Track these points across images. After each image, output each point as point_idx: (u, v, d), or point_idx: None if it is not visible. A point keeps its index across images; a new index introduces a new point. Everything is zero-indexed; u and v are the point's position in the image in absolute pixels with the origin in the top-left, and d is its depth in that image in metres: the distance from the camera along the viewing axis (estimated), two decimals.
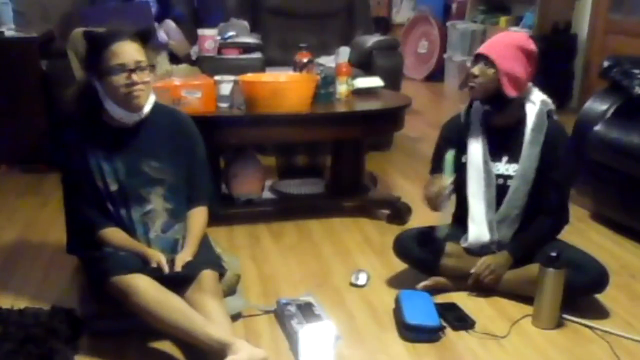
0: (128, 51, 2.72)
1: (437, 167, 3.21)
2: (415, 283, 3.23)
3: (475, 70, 3.11)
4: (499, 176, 3.17)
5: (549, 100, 3.17)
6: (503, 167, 3.18)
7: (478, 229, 3.21)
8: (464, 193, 3.23)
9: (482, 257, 3.20)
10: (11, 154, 5.07)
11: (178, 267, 2.70)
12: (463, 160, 3.21)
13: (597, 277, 3.07)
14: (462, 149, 3.21)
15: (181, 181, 2.95)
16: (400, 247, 3.34)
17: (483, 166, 3.18)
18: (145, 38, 2.84)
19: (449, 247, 3.27)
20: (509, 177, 3.16)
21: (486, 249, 3.21)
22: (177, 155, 2.95)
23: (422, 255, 3.26)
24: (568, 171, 3.18)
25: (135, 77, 2.73)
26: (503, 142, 3.18)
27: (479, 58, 3.11)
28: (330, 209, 4.34)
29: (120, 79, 2.71)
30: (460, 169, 3.18)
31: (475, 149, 3.20)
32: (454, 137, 3.27)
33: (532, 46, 3.07)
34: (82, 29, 3.10)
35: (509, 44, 3.06)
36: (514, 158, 3.15)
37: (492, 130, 3.21)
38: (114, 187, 2.81)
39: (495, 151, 3.19)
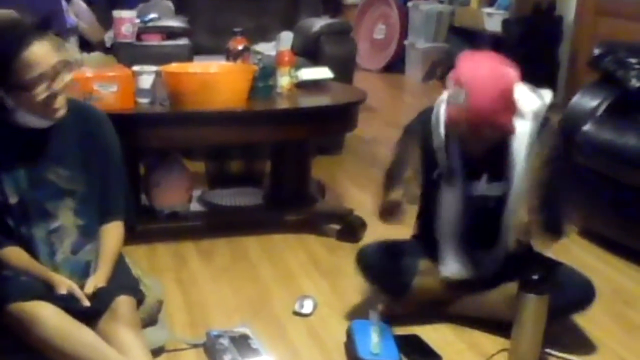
0: (43, 57, 2.66)
1: (396, 178, 3.13)
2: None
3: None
4: (477, 198, 3.13)
5: (540, 106, 3.07)
6: (483, 187, 3.14)
7: (451, 266, 3.20)
8: (435, 213, 3.20)
9: (460, 286, 3.23)
10: None
11: (89, 291, 2.69)
12: (434, 176, 3.15)
13: (581, 293, 3.13)
14: (431, 161, 3.16)
15: (95, 192, 2.93)
16: (366, 263, 3.32)
17: (460, 187, 3.14)
18: (48, 25, 2.81)
19: (422, 264, 3.26)
20: (490, 198, 3.12)
21: (466, 283, 3.22)
22: (90, 161, 2.92)
23: (392, 271, 3.24)
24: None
25: (56, 86, 2.70)
26: (482, 158, 3.11)
27: None
28: (269, 224, 4.35)
29: (39, 91, 2.66)
30: (431, 187, 3.16)
31: (447, 166, 3.13)
32: (426, 142, 3.17)
33: (514, 81, 2.97)
34: None
35: (499, 94, 2.91)
36: (496, 176, 3.11)
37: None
38: (13, 199, 2.77)
39: (472, 168, 3.13)
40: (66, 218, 2.86)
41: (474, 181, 3.14)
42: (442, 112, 3.13)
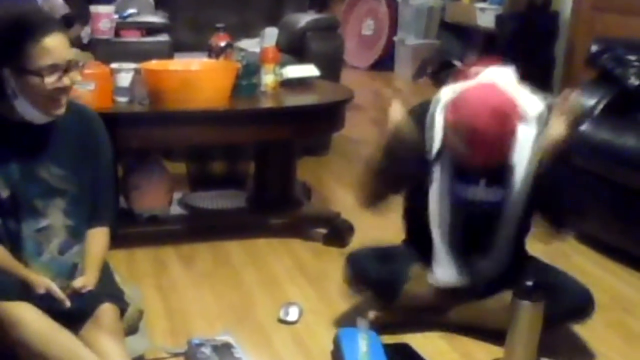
0: (60, 48, 2.68)
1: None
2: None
3: None
4: (473, 203, 3.13)
5: (543, 109, 3.08)
6: (481, 192, 3.13)
7: (444, 272, 3.19)
8: (425, 216, 3.20)
9: (452, 293, 3.22)
10: None
11: (77, 286, 2.69)
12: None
13: (578, 301, 3.13)
14: (422, 161, 3.13)
15: (86, 194, 2.93)
16: (356, 267, 3.31)
17: (448, 193, 3.14)
18: (71, 23, 2.81)
19: (413, 270, 3.25)
20: (487, 203, 3.12)
21: (460, 290, 3.21)
22: (83, 162, 2.92)
23: (382, 276, 3.24)
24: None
25: (66, 80, 2.70)
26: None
27: None
28: (253, 228, 4.36)
29: (50, 82, 2.66)
30: (420, 191, 3.16)
31: (440, 169, 3.14)
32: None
33: (516, 116, 2.97)
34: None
35: (502, 137, 2.94)
36: (495, 180, 3.10)
37: None
38: (4, 193, 2.76)
39: (470, 172, 3.11)
40: (55, 218, 2.86)
41: (471, 185, 3.13)
42: (437, 116, 3.11)
